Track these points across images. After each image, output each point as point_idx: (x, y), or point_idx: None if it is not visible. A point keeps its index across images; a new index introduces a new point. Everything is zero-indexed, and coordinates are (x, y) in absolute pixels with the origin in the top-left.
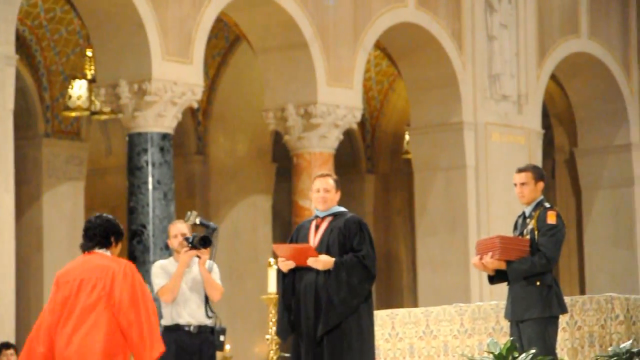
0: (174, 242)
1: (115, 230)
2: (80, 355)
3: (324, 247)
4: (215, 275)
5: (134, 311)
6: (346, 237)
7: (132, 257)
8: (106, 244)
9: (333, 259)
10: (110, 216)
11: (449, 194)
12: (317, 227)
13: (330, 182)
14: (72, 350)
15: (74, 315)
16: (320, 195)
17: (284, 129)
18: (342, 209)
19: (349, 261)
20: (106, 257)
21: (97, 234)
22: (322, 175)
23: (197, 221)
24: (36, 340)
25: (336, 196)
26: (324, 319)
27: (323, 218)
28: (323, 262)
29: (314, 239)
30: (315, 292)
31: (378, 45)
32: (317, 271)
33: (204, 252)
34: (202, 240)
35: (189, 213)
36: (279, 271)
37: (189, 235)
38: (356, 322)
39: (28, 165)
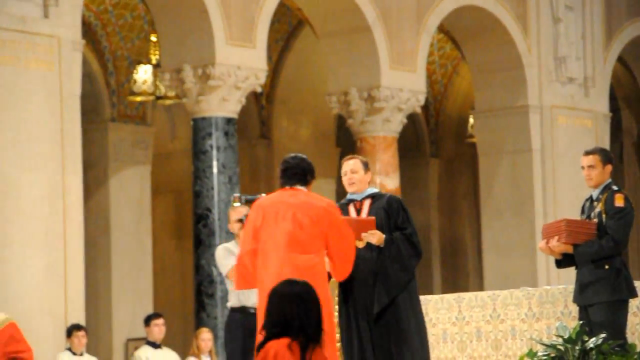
0: (234, 227)
1: (310, 169)
2: (311, 274)
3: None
4: None
5: (340, 241)
6: (390, 217)
7: (197, 240)
8: (304, 181)
9: (384, 235)
10: (304, 156)
11: (514, 178)
12: (358, 211)
13: (358, 163)
14: (296, 270)
15: (288, 241)
16: (348, 178)
17: (347, 113)
18: (377, 190)
19: (399, 237)
20: (311, 194)
21: (298, 172)
22: (349, 158)
23: (244, 200)
24: (248, 259)
25: (366, 177)
26: (382, 293)
27: (361, 201)
28: (378, 236)
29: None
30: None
31: (442, 28)
32: (371, 247)
33: None
34: None
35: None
36: None
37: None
38: (408, 298)
39: (95, 149)
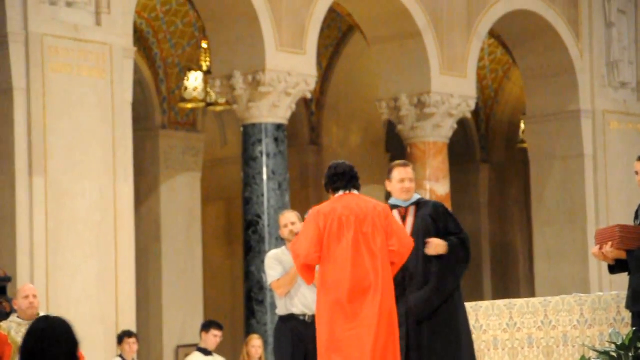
0: (284, 232)
1: (356, 174)
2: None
3: (420, 236)
4: None
5: (400, 239)
6: (437, 223)
7: (247, 247)
8: (357, 186)
9: (445, 242)
10: (349, 163)
11: (566, 184)
12: (403, 217)
13: (412, 171)
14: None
15: (354, 244)
16: (404, 186)
17: (397, 119)
18: (419, 196)
19: (456, 243)
20: (367, 198)
21: (354, 177)
22: (404, 165)
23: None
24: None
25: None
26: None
27: (407, 208)
28: (435, 246)
29: (405, 229)
30: (416, 273)
31: (492, 33)
32: (417, 253)
33: None
34: None
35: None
36: None
37: (298, 224)
38: (453, 302)
39: (146, 156)
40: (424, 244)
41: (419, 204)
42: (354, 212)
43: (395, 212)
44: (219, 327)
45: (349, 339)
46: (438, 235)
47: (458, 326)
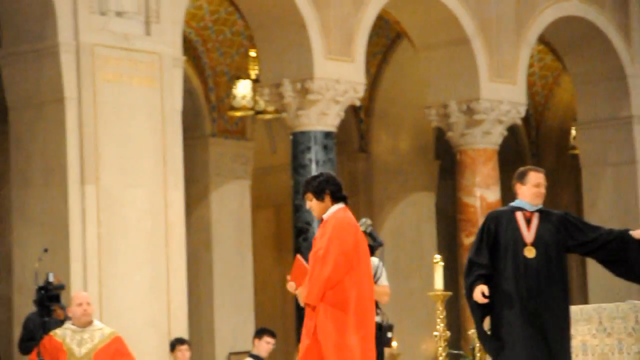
0: None
1: None
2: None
3: (542, 243)
4: (383, 277)
5: None
6: (560, 234)
7: (297, 254)
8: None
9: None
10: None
11: (618, 190)
12: (527, 220)
13: (545, 178)
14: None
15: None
16: (540, 191)
17: (446, 126)
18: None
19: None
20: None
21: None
22: (539, 170)
23: (368, 230)
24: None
25: None
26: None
27: (532, 213)
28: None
29: (528, 233)
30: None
31: (542, 39)
32: (542, 258)
33: None
34: None
35: (363, 220)
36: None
37: None
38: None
39: (196, 164)
40: (546, 253)
41: (542, 212)
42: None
43: (520, 215)
44: (272, 334)
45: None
46: (559, 246)
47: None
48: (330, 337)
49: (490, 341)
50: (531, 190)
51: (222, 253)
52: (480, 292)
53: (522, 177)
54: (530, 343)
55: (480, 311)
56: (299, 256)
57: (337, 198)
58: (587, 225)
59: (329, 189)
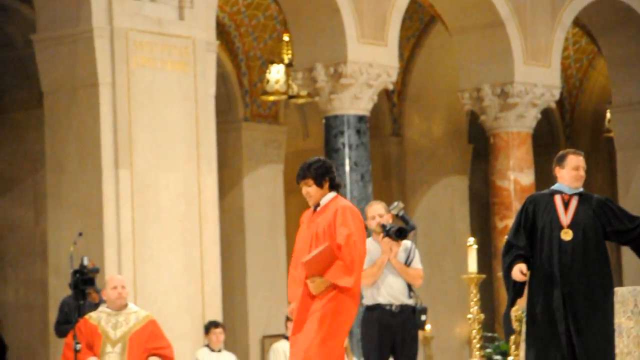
0: (371, 223)
1: None
2: None
3: (579, 226)
4: (416, 260)
5: None
6: (599, 219)
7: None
8: None
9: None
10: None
11: None
12: (565, 203)
13: (584, 161)
14: None
15: None
16: (579, 174)
17: (480, 109)
18: (582, 189)
19: None
20: None
21: None
22: (578, 153)
23: (400, 214)
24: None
25: None
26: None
27: (571, 196)
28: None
29: (565, 216)
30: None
31: (577, 22)
32: (576, 242)
33: (398, 244)
34: (398, 232)
35: (395, 203)
36: (510, 275)
37: (385, 214)
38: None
39: (229, 149)
40: (583, 236)
41: (582, 195)
42: None
43: (558, 198)
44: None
45: None
46: (597, 230)
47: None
48: (346, 326)
49: (508, 324)
50: (570, 173)
51: (255, 237)
52: (519, 270)
53: (561, 161)
54: (564, 328)
55: (514, 292)
56: (329, 244)
57: (333, 186)
58: (627, 214)
59: (329, 176)
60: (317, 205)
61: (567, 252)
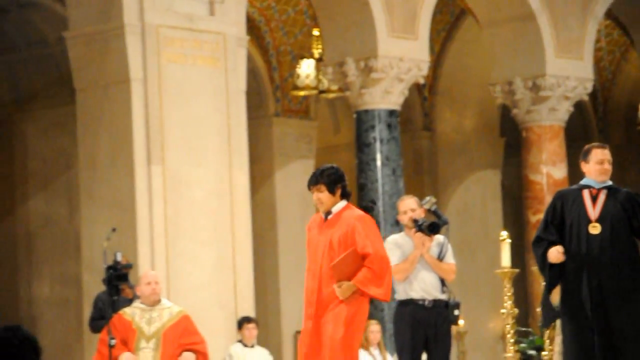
0: (403, 218)
1: None
2: None
3: (607, 220)
4: (449, 255)
5: None
6: (627, 212)
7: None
8: None
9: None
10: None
11: None
12: (593, 197)
13: (609, 154)
14: None
15: None
16: (604, 167)
17: (512, 103)
18: (611, 182)
19: None
20: None
21: None
22: (602, 147)
23: (432, 209)
24: None
25: None
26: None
27: (599, 190)
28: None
29: (593, 210)
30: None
31: (609, 14)
32: (604, 236)
33: (430, 239)
34: (431, 227)
35: (427, 198)
36: (545, 262)
37: (417, 209)
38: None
39: (260, 144)
40: (611, 230)
41: (610, 189)
42: None
43: (586, 192)
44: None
45: None
46: (625, 224)
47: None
48: (361, 328)
49: (548, 310)
50: (594, 167)
51: (287, 232)
52: (556, 250)
53: (585, 155)
54: (593, 319)
55: (550, 276)
56: (354, 248)
57: (345, 194)
58: None
59: (342, 183)
60: (329, 213)
61: (595, 245)
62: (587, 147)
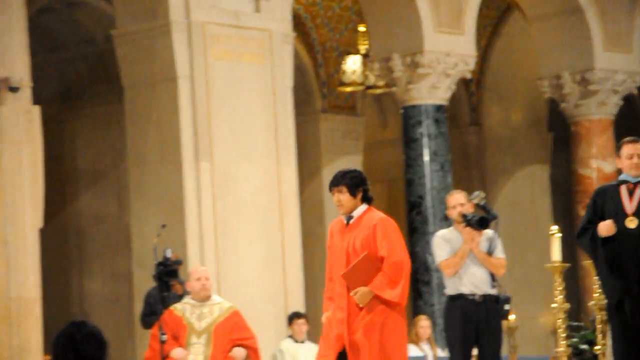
0: (452, 213)
1: None
2: None
3: None
4: (499, 249)
5: None
6: None
7: (411, 228)
8: None
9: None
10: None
11: None
12: (630, 192)
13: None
14: None
15: None
16: (633, 162)
17: (560, 97)
18: None
19: None
20: None
21: None
22: (633, 141)
23: (481, 203)
24: None
25: None
26: None
27: (635, 184)
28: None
29: (630, 204)
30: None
31: None
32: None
33: (480, 234)
34: (480, 222)
35: (476, 192)
36: (594, 237)
37: (466, 204)
38: None
39: (307, 140)
40: None
41: None
42: None
43: (623, 187)
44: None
45: None
46: None
47: None
48: (402, 337)
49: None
50: (625, 162)
51: None
52: (604, 224)
53: (618, 151)
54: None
55: (607, 251)
56: (367, 253)
57: (366, 198)
58: None
59: (364, 187)
60: (350, 217)
61: (632, 239)
62: (620, 142)
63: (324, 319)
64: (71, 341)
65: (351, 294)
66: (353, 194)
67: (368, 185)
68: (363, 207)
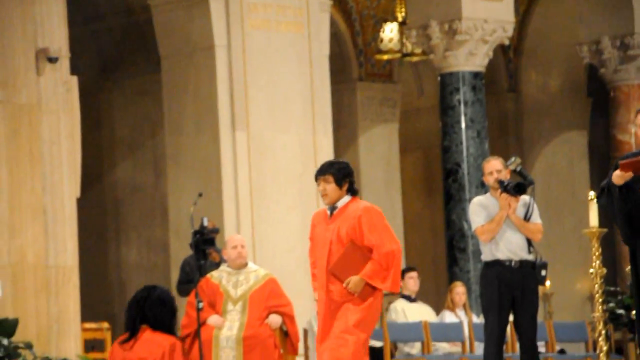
0: (489, 179)
1: None
2: None
3: None
4: (535, 215)
5: None
6: None
7: (447, 195)
8: None
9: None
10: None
11: None
12: None
13: None
14: None
15: None
16: None
17: (599, 62)
18: None
19: None
20: None
21: None
22: None
23: (517, 169)
24: None
25: None
26: None
27: None
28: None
29: None
30: None
31: None
32: None
33: (516, 200)
34: (517, 188)
35: (513, 158)
36: (610, 186)
37: (502, 170)
38: None
39: (343, 109)
40: None
41: None
42: None
43: None
44: (410, 269)
45: None
46: None
47: None
48: (377, 313)
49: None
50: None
51: (371, 196)
52: (618, 173)
53: (635, 119)
54: None
55: (627, 198)
56: (350, 243)
57: (352, 190)
58: None
59: (350, 179)
60: (334, 208)
61: None
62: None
63: (315, 297)
64: (140, 304)
65: (344, 284)
66: (339, 184)
67: (354, 178)
68: (347, 197)
